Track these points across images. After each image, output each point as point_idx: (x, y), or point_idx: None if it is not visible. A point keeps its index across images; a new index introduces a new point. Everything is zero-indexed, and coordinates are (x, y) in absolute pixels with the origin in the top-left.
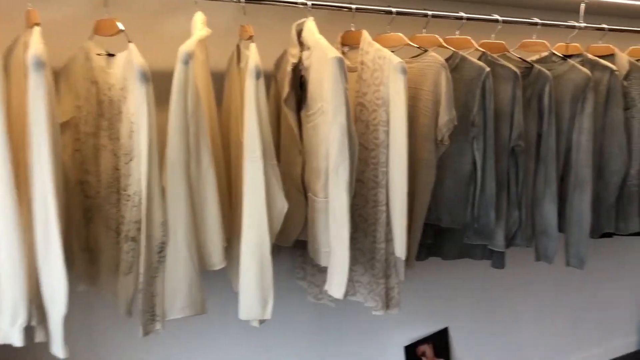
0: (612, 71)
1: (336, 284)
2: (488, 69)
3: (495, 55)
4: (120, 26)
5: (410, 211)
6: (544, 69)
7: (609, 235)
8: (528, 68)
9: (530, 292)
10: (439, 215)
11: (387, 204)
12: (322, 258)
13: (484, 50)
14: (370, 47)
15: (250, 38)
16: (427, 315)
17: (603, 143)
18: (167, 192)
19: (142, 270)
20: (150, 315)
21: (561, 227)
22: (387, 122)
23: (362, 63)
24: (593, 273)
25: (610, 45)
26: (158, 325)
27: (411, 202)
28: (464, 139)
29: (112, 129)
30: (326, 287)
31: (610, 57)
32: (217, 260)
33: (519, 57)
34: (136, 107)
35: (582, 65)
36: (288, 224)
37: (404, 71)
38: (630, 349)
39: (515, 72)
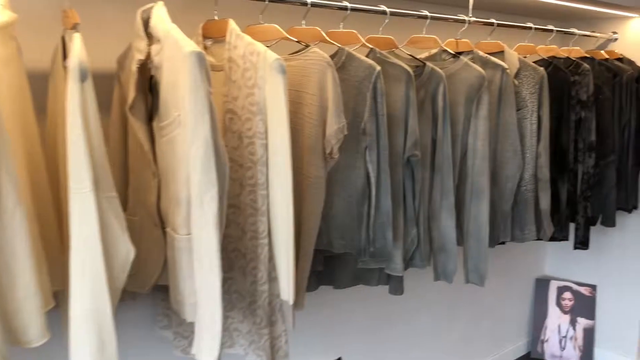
0: (503, 69)
1: (206, 347)
2: (379, 67)
3: (384, 52)
4: None
5: (297, 240)
6: (437, 68)
7: (502, 242)
8: (420, 67)
9: (424, 310)
10: (330, 240)
11: (270, 235)
12: (187, 311)
13: (372, 47)
14: (239, 40)
15: (75, 27)
16: (318, 347)
17: (496, 147)
18: None
19: None
20: None
21: (458, 240)
22: (265, 134)
23: (229, 60)
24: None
25: (500, 42)
26: None
27: (298, 229)
28: (355, 150)
29: None
30: (194, 350)
31: (499, 54)
32: (34, 334)
33: (410, 55)
34: None
35: (473, 63)
36: (142, 267)
37: (283, 70)
38: (521, 352)
39: (408, 72)
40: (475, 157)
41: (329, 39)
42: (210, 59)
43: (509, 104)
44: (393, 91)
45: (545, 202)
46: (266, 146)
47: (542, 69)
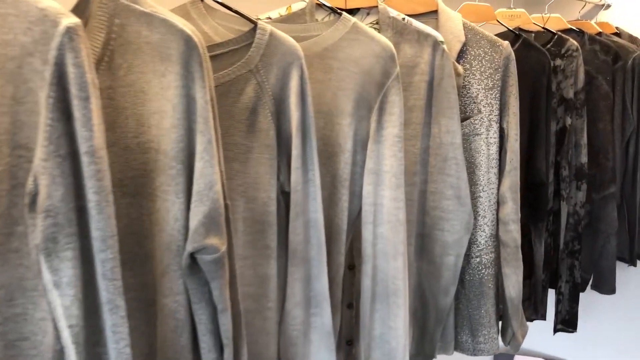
0: (436, 44)
1: None
2: (76, 20)
3: None
4: None
5: None
6: (283, 34)
7: None
8: (245, 34)
9: None
10: None
11: None
12: None
13: None
14: None
15: None
16: None
17: (425, 189)
18: None
19: None
20: None
21: None
22: None
23: None
24: None
25: None
26: None
27: None
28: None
29: None
30: None
31: (429, 16)
32: None
33: (234, 11)
34: None
35: (378, 32)
36: None
37: None
38: None
39: (187, 36)
40: (378, 222)
41: None
42: None
43: (446, 108)
44: (151, 86)
45: (514, 285)
46: None
47: (507, 43)
